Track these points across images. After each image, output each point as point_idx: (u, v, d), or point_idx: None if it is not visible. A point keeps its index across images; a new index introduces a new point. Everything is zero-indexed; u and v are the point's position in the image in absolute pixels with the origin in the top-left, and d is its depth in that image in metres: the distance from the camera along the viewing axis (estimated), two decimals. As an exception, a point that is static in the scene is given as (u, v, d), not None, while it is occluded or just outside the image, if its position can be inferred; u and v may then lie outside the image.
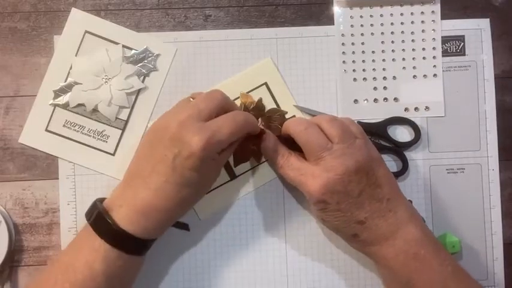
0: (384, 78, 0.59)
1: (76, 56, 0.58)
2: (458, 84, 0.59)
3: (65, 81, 0.58)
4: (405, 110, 0.59)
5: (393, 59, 0.59)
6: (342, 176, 0.49)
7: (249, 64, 0.59)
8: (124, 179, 0.51)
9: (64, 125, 0.58)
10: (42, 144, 0.58)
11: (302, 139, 0.51)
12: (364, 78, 0.59)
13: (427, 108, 0.58)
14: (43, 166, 0.58)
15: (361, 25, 0.59)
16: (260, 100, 0.58)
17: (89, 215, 0.49)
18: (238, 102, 0.58)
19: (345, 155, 0.50)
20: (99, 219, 0.48)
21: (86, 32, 0.58)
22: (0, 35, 0.59)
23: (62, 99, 0.58)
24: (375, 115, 0.59)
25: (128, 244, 0.48)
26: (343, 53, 0.59)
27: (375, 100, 0.59)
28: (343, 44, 0.59)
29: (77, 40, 0.58)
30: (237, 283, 0.57)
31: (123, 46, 0.58)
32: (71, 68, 0.58)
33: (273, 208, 0.58)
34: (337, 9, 0.59)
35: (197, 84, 0.58)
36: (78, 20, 0.58)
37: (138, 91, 0.58)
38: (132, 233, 0.47)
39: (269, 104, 0.58)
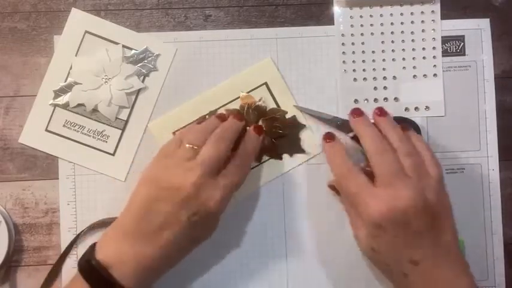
0: (384, 78, 0.59)
1: (76, 56, 0.58)
2: (458, 84, 0.59)
3: (65, 81, 0.58)
4: (405, 110, 0.59)
5: (393, 59, 0.59)
6: (407, 209, 0.47)
7: (249, 64, 0.59)
8: (120, 232, 0.49)
9: (64, 125, 0.58)
10: (42, 144, 0.58)
11: (377, 162, 0.49)
12: (365, 78, 0.59)
13: (427, 107, 0.58)
14: (43, 166, 0.58)
15: (361, 25, 0.59)
16: (261, 100, 0.58)
17: (85, 268, 0.47)
18: (238, 103, 0.58)
19: (417, 190, 0.47)
20: (97, 276, 0.47)
21: (86, 32, 0.58)
22: (0, 35, 0.59)
23: (62, 99, 0.58)
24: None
25: None
26: (343, 53, 0.59)
27: (375, 100, 0.59)
28: (343, 44, 0.59)
29: (77, 40, 0.58)
30: (236, 283, 0.57)
31: (123, 46, 0.58)
32: (71, 68, 0.58)
33: (273, 209, 0.58)
34: (337, 9, 0.59)
35: (197, 84, 0.58)
36: (78, 20, 0.58)
37: (138, 91, 0.58)
38: None
39: (269, 104, 0.58)
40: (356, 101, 0.59)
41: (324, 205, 0.58)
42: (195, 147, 0.49)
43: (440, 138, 0.59)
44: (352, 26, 0.59)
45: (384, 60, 0.59)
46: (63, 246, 0.57)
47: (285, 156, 0.58)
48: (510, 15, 0.59)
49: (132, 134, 0.58)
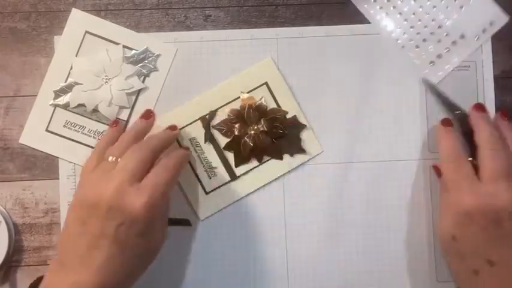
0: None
1: (76, 56, 0.58)
2: (458, 84, 0.59)
3: (65, 82, 0.58)
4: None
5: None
6: (504, 209, 0.47)
7: (249, 64, 0.59)
8: (56, 263, 0.47)
9: (64, 125, 0.58)
10: (43, 145, 0.58)
11: (488, 157, 0.49)
12: (364, 78, 0.59)
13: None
14: (43, 166, 0.58)
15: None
16: (262, 99, 0.58)
17: None
18: (239, 102, 0.58)
19: None
20: None
21: (86, 32, 0.58)
22: (0, 35, 0.58)
23: (62, 100, 0.58)
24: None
25: None
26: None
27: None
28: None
29: (77, 40, 0.58)
30: (236, 283, 0.57)
31: (124, 46, 0.58)
32: (71, 68, 0.58)
33: (274, 209, 0.58)
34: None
35: (197, 84, 0.58)
36: (78, 20, 0.58)
37: (139, 91, 0.58)
38: None
39: (270, 104, 0.58)
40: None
41: (325, 205, 0.58)
42: (117, 159, 0.48)
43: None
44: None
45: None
46: (63, 246, 0.57)
47: (285, 156, 0.58)
48: (510, 16, 0.59)
49: (133, 134, 0.58)
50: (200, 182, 0.58)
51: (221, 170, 0.58)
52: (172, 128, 0.56)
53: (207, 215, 0.58)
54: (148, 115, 0.56)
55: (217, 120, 0.58)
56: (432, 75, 0.59)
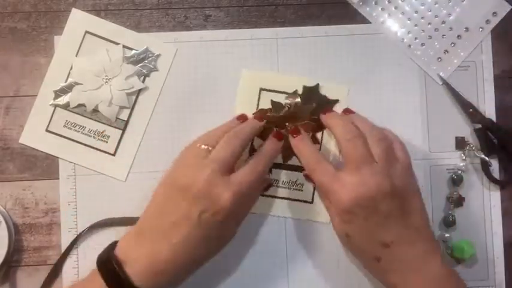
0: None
1: (76, 56, 0.58)
2: (458, 84, 0.59)
3: (66, 82, 0.58)
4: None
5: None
6: (375, 194, 0.48)
7: (249, 64, 0.59)
8: (138, 230, 0.50)
9: (64, 125, 0.58)
10: (43, 145, 0.58)
11: (346, 148, 0.51)
12: (364, 78, 0.59)
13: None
14: (43, 166, 0.58)
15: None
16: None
17: (102, 262, 0.48)
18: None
19: (383, 175, 0.49)
20: (111, 271, 0.47)
21: (86, 32, 0.58)
22: (0, 35, 0.58)
23: (63, 100, 0.58)
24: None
25: None
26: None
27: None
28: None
29: (77, 40, 0.58)
30: (236, 283, 0.57)
31: (124, 46, 0.58)
32: (71, 68, 0.58)
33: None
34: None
35: (197, 84, 0.58)
36: (78, 20, 0.58)
37: (139, 91, 0.58)
38: None
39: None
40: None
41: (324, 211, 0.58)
42: (209, 148, 0.50)
43: (440, 138, 0.59)
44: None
45: (384, 60, 0.59)
46: (63, 246, 0.57)
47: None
48: (510, 15, 0.59)
49: (133, 134, 0.58)
50: None
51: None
52: (259, 118, 0.56)
53: None
54: (245, 118, 0.57)
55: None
56: (441, 71, 0.59)
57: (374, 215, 0.49)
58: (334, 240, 0.55)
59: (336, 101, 0.58)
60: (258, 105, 0.58)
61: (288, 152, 0.57)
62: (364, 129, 0.52)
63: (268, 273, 0.58)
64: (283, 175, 0.58)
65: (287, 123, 0.57)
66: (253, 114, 0.57)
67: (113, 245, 0.50)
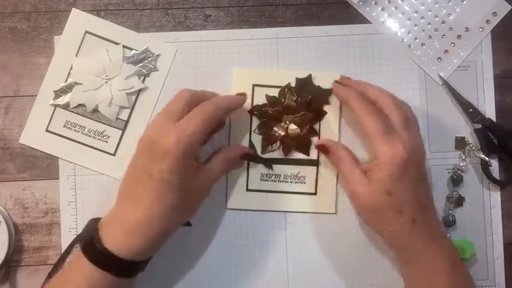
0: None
1: (76, 56, 0.58)
2: (458, 84, 0.59)
3: (65, 82, 0.58)
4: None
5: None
6: (423, 153, 0.51)
7: (249, 64, 0.59)
8: (117, 197, 0.51)
9: (64, 126, 0.58)
10: (43, 145, 0.58)
11: (394, 110, 0.51)
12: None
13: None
14: (43, 166, 0.58)
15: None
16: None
17: (81, 233, 0.49)
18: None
19: (420, 139, 0.52)
20: (85, 235, 0.48)
21: (86, 32, 0.58)
22: (0, 35, 0.58)
23: (63, 100, 0.58)
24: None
25: (111, 265, 0.46)
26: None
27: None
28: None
29: (77, 40, 0.58)
30: (237, 283, 0.57)
31: (124, 46, 0.58)
32: (71, 68, 0.58)
33: (274, 212, 0.58)
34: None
35: (197, 84, 0.58)
36: (78, 20, 0.58)
37: (139, 91, 0.58)
38: (116, 253, 0.46)
39: None
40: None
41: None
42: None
43: (440, 138, 0.59)
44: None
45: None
46: (63, 246, 0.57)
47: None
48: (510, 15, 0.59)
49: (133, 134, 0.58)
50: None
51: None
52: (242, 93, 0.56)
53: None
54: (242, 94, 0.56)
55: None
56: (441, 71, 0.59)
57: (418, 174, 0.50)
58: (337, 232, 0.56)
59: (330, 90, 0.58)
60: (252, 101, 0.58)
61: (288, 145, 0.57)
62: (382, 99, 0.53)
63: (268, 268, 0.58)
64: (285, 169, 0.58)
65: (285, 116, 0.57)
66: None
67: (97, 219, 0.50)
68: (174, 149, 0.46)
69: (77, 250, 0.49)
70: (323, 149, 0.56)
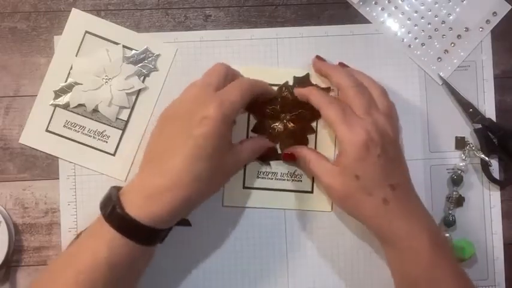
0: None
1: (76, 56, 0.58)
2: (458, 84, 0.59)
3: (65, 82, 0.58)
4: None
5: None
6: (388, 134, 0.51)
7: (249, 64, 0.59)
8: (139, 167, 0.51)
9: (64, 126, 0.58)
10: (43, 145, 0.58)
11: (356, 94, 0.52)
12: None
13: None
14: (43, 166, 0.58)
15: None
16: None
17: (102, 201, 0.48)
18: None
19: (393, 119, 0.53)
20: (107, 203, 0.47)
21: (86, 32, 0.58)
22: (0, 35, 0.58)
23: (62, 100, 0.58)
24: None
25: (133, 231, 0.45)
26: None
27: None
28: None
29: (77, 40, 0.58)
30: (236, 281, 0.57)
31: (124, 46, 0.58)
32: (71, 68, 0.58)
33: (274, 210, 0.58)
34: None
35: (197, 84, 0.58)
36: (78, 20, 0.58)
37: (139, 91, 0.58)
38: (138, 218, 0.45)
39: None
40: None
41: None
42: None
43: (440, 138, 0.59)
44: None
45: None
46: (63, 246, 0.57)
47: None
48: (510, 15, 0.59)
49: (133, 135, 0.58)
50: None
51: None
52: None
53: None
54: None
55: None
56: (441, 71, 0.59)
57: (385, 154, 0.50)
58: (334, 230, 0.56)
59: (328, 88, 0.58)
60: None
61: (286, 143, 0.57)
62: (361, 79, 0.55)
63: (268, 265, 0.58)
64: (282, 167, 0.58)
65: (282, 115, 0.57)
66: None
67: (118, 187, 0.49)
68: (214, 115, 0.47)
69: (97, 217, 0.48)
70: (290, 157, 0.56)
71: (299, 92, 0.56)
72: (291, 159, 0.56)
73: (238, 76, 0.55)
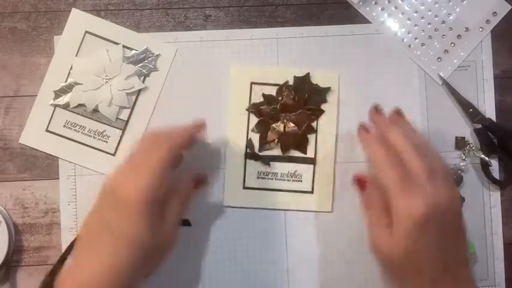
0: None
1: (76, 56, 0.58)
2: (458, 84, 0.59)
3: (65, 82, 0.58)
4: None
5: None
6: (448, 208, 0.44)
7: (249, 64, 0.59)
8: (73, 252, 0.47)
9: (64, 126, 0.58)
10: (43, 145, 0.58)
11: (415, 158, 0.45)
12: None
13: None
14: (43, 166, 0.58)
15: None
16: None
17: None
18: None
19: (452, 191, 0.45)
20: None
21: (86, 32, 0.58)
22: (0, 35, 0.58)
23: (62, 100, 0.58)
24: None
25: None
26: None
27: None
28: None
29: (77, 40, 0.58)
30: (236, 281, 0.58)
31: (124, 46, 0.58)
32: (71, 68, 0.58)
33: (274, 211, 0.58)
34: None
35: (198, 84, 0.58)
36: (78, 20, 0.58)
37: (139, 91, 0.58)
38: None
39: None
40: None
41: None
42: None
43: (440, 138, 0.59)
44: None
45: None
46: (64, 246, 0.57)
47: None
48: (510, 15, 0.59)
49: (133, 134, 0.58)
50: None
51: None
52: (199, 126, 0.53)
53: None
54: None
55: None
56: (441, 71, 0.59)
57: (444, 230, 0.44)
58: (334, 230, 0.56)
59: (328, 88, 0.58)
60: (250, 99, 0.58)
61: (286, 143, 0.57)
62: (402, 146, 0.47)
63: (268, 265, 0.58)
64: (282, 167, 0.58)
65: (282, 115, 0.57)
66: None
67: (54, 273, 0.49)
68: (136, 199, 0.43)
69: None
70: (360, 184, 0.52)
71: (360, 139, 0.51)
72: (359, 186, 0.52)
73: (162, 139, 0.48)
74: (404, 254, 0.45)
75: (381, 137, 0.49)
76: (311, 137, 0.58)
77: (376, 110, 0.52)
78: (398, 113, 0.52)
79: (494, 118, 0.58)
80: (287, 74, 0.58)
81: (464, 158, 0.58)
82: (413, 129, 0.50)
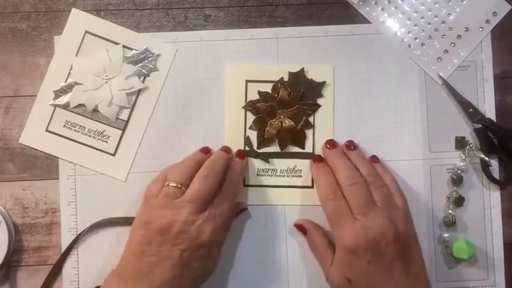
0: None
1: (76, 56, 0.58)
2: (458, 84, 0.59)
3: (65, 82, 0.58)
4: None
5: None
6: (380, 238, 0.49)
7: (249, 64, 0.59)
8: (118, 273, 0.50)
9: (64, 125, 0.58)
10: (43, 145, 0.58)
11: (350, 193, 0.51)
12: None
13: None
14: (43, 166, 0.58)
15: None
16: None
17: None
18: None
19: (388, 220, 0.49)
20: None
21: (86, 32, 0.58)
22: (0, 35, 0.58)
23: (62, 100, 0.58)
24: (375, 115, 0.59)
25: None
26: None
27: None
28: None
29: (77, 40, 0.58)
30: (237, 279, 0.57)
31: (124, 46, 0.58)
32: (71, 68, 0.58)
33: (274, 207, 0.58)
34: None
35: (197, 84, 0.58)
36: (78, 20, 0.58)
37: (139, 91, 0.58)
38: None
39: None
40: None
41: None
42: (180, 186, 0.51)
43: (440, 138, 0.59)
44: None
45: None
46: (64, 246, 0.57)
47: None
48: (510, 15, 0.59)
49: (133, 134, 0.58)
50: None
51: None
52: (227, 150, 0.57)
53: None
54: (207, 150, 0.57)
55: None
56: (441, 70, 0.59)
57: (377, 259, 0.49)
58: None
59: (323, 83, 0.58)
60: (246, 97, 0.58)
61: (284, 139, 0.57)
62: (364, 173, 0.53)
63: (268, 262, 0.58)
64: (281, 163, 0.58)
65: (279, 111, 0.57)
66: (222, 148, 0.57)
67: None
68: (209, 241, 0.49)
69: None
70: (301, 229, 0.57)
71: (325, 153, 0.57)
72: (301, 231, 0.57)
73: (222, 167, 0.54)
74: (344, 281, 0.50)
75: (329, 170, 0.54)
76: (309, 132, 0.58)
77: (329, 144, 0.57)
78: (349, 146, 0.56)
79: (494, 118, 0.58)
80: (282, 71, 0.58)
81: (464, 158, 0.58)
82: (364, 161, 0.55)
